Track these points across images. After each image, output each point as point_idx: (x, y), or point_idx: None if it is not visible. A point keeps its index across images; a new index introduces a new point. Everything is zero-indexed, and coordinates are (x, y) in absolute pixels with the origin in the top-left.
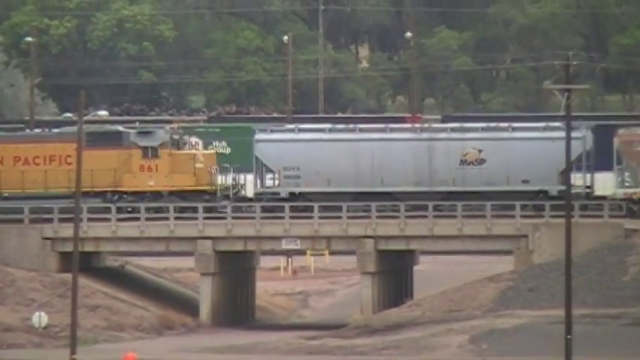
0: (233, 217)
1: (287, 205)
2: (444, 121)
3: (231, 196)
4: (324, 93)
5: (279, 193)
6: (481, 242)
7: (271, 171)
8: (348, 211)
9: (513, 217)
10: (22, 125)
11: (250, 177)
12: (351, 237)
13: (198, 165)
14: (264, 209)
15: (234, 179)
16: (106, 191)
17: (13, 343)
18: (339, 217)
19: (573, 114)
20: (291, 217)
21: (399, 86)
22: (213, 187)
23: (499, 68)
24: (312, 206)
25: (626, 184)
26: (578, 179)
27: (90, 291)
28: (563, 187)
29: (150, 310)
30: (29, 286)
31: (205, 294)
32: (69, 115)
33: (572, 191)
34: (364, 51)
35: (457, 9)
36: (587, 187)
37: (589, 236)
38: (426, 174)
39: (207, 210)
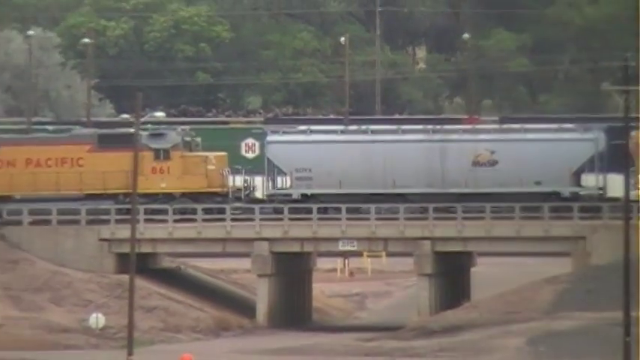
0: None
1: (344, 206)
2: (501, 122)
3: (242, 197)
4: (381, 94)
5: (291, 195)
6: (539, 244)
7: (283, 172)
8: (404, 212)
9: (571, 218)
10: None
11: (261, 178)
12: (408, 239)
13: (209, 167)
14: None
15: (245, 181)
16: (117, 193)
17: (70, 345)
18: (397, 219)
19: (632, 115)
20: (348, 219)
21: (456, 88)
22: (225, 189)
23: (557, 70)
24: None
25: (639, 185)
26: (590, 180)
27: (146, 292)
28: (575, 189)
29: (206, 312)
30: (86, 288)
31: (262, 295)
32: (126, 116)
33: (584, 192)
34: (421, 52)
35: (514, 10)
36: (600, 188)
37: None
38: (438, 175)
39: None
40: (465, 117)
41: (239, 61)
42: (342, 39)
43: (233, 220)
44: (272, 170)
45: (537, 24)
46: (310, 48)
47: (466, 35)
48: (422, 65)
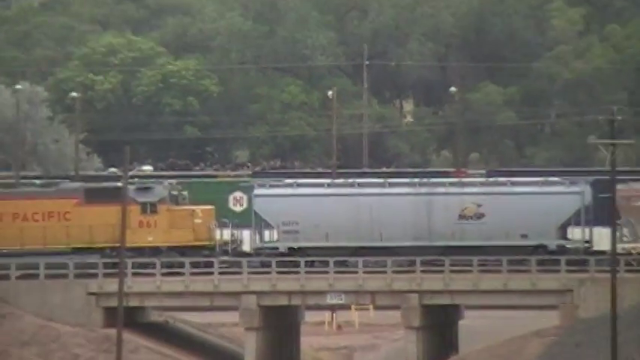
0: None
1: (331, 260)
2: (488, 175)
3: (230, 251)
4: (369, 148)
5: (278, 248)
6: (526, 297)
7: (270, 226)
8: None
9: (558, 271)
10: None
11: (248, 232)
12: (396, 292)
13: (196, 220)
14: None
15: (232, 234)
16: (104, 247)
17: None
18: (384, 272)
19: (618, 169)
20: (336, 272)
21: (443, 141)
22: (212, 243)
23: (544, 123)
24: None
25: (625, 239)
26: (577, 233)
27: (134, 346)
28: (561, 242)
29: None
30: (74, 342)
31: (250, 349)
32: (114, 170)
33: (570, 245)
34: (409, 106)
35: (502, 64)
36: (587, 241)
37: (635, 291)
38: (424, 229)
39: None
40: (453, 170)
41: (227, 114)
42: (330, 92)
43: (221, 273)
44: (259, 223)
45: (524, 77)
46: (298, 101)
47: (453, 89)
48: (409, 119)
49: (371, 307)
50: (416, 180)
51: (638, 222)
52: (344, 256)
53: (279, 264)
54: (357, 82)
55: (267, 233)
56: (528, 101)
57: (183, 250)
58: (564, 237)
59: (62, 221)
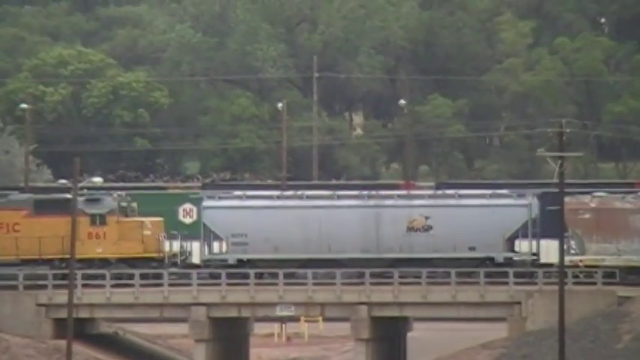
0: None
1: (281, 272)
2: (437, 188)
3: (179, 262)
4: (319, 160)
5: (227, 260)
6: (475, 309)
7: (219, 237)
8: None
9: (507, 283)
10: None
11: (197, 244)
12: (345, 304)
13: (145, 232)
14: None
15: (182, 246)
16: (53, 259)
17: None
18: (333, 284)
19: (566, 181)
20: (286, 284)
21: (393, 153)
22: (161, 254)
23: (493, 136)
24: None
25: (572, 251)
26: (524, 246)
27: (84, 357)
28: (509, 254)
29: None
30: (23, 353)
31: None
32: (64, 181)
33: (518, 258)
34: (358, 118)
35: (451, 77)
36: (534, 254)
37: (582, 304)
38: (373, 241)
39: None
40: (402, 183)
41: (177, 126)
42: (280, 105)
43: (170, 285)
44: (208, 235)
45: (473, 90)
46: (248, 114)
47: (402, 101)
48: (359, 131)
49: (320, 319)
50: (365, 192)
51: (585, 235)
52: (293, 268)
53: (229, 276)
54: (307, 95)
55: (216, 245)
56: (477, 114)
57: (132, 262)
58: (512, 249)
59: (11, 232)
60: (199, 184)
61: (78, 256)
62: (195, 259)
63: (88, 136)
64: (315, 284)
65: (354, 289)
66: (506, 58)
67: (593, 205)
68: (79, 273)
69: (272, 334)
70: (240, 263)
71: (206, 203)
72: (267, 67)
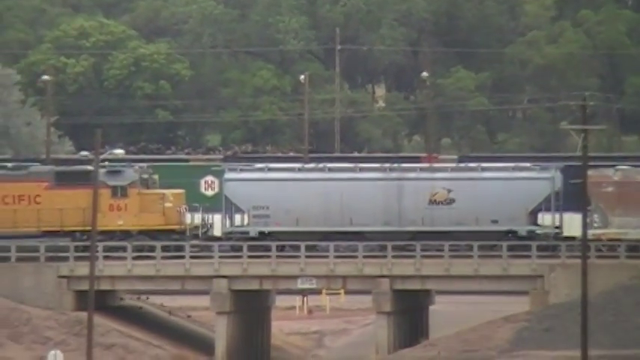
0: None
1: (302, 244)
2: (460, 161)
3: (200, 235)
4: (341, 132)
5: (248, 233)
6: (497, 282)
7: (241, 210)
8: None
9: (529, 257)
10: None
11: (218, 216)
12: (367, 276)
13: (167, 204)
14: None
15: (203, 218)
16: (75, 231)
17: None
18: (355, 257)
19: (589, 154)
20: (307, 257)
21: (415, 126)
22: (182, 227)
23: (515, 109)
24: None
25: (595, 224)
26: (547, 219)
27: (105, 329)
28: (532, 227)
29: (165, 349)
30: (45, 325)
31: (220, 333)
32: (85, 153)
33: (540, 231)
34: (380, 90)
35: (474, 49)
36: (557, 227)
37: (605, 277)
38: (395, 214)
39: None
40: (424, 155)
41: (198, 98)
42: (302, 77)
43: (192, 257)
44: (230, 208)
45: (496, 63)
46: (270, 86)
47: (425, 74)
48: (381, 103)
49: (342, 291)
50: (387, 165)
51: (608, 208)
52: (314, 241)
53: (250, 248)
54: (329, 67)
55: (237, 217)
56: (500, 87)
57: (153, 234)
58: (535, 223)
59: (33, 204)
60: (221, 157)
61: (99, 228)
62: (217, 232)
63: (110, 107)
64: (336, 257)
65: (375, 262)
66: (530, 30)
67: (616, 178)
68: (101, 245)
69: (293, 307)
70: (262, 236)
71: (228, 175)
72: (289, 38)
